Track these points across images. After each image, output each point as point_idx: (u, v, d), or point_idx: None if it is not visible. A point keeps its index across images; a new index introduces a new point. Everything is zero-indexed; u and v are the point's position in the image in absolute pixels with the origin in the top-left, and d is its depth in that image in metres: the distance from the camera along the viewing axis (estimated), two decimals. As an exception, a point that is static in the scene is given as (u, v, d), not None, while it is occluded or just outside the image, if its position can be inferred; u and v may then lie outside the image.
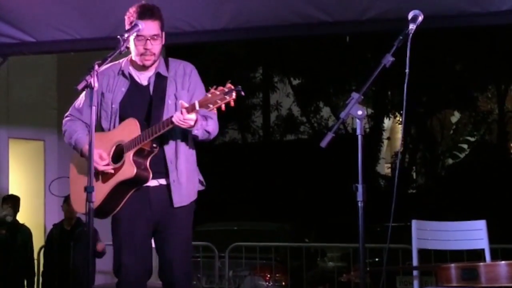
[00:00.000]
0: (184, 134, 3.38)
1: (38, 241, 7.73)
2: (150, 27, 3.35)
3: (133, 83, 3.45)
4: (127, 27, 3.37)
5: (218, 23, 4.76)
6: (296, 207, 14.14)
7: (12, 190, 8.10)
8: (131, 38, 3.33)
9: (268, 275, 8.49)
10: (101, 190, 3.32)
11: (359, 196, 2.81)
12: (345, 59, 15.34)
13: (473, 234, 4.40)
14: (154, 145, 3.32)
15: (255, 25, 4.75)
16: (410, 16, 3.04)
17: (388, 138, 19.43)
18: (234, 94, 3.06)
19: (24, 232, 7.39)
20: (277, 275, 8.58)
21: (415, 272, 4.44)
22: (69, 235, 7.08)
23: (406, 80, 2.88)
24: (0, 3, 5.07)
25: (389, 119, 18.35)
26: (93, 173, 3.07)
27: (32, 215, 8.32)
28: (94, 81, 3.04)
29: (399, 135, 19.69)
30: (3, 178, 8.22)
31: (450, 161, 18.20)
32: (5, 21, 5.11)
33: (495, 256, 4.59)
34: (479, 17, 4.39)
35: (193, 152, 3.49)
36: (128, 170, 3.29)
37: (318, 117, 17.39)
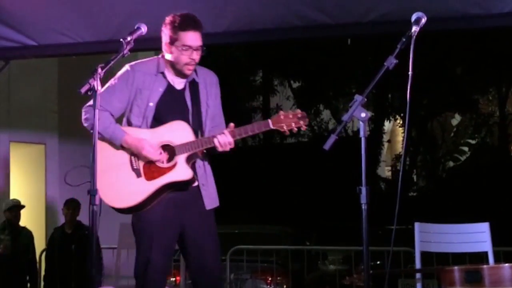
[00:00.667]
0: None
1: (39, 244, 7.74)
2: (196, 38, 3.40)
3: (169, 86, 3.48)
4: (168, 36, 3.42)
5: (219, 26, 4.75)
6: (296, 210, 14.13)
7: (13, 194, 8.12)
8: (176, 46, 3.39)
9: (269, 278, 8.49)
10: (146, 188, 3.34)
11: (363, 199, 2.81)
12: (345, 62, 15.34)
13: (477, 236, 4.39)
14: (204, 152, 3.41)
15: (257, 28, 4.74)
16: (413, 18, 3.03)
17: (389, 141, 19.44)
18: (306, 120, 3.28)
19: (26, 235, 7.41)
20: (278, 278, 8.57)
21: (417, 275, 4.43)
22: (70, 238, 7.08)
23: (409, 82, 2.88)
24: (1, 7, 5.07)
25: (390, 122, 18.35)
26: (96, 175, 3.04)
27: (33, 218, 8.32)
28: (97, 85, 3.03)
29: (399, 137, 19.67)
30: (4, 182, 8.22)
31: (451, 163, 18.20)
32: (6, 25, 5.10)
33: (497, 258, 4.57)
34: (481, 19, 4.38)
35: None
36: (185, 172, 3.35)
37: (318, 120, 17.39)
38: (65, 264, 7.00)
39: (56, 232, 7.32)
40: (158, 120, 3.43)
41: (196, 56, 3.41)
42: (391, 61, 2.91)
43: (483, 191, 14.34)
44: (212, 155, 3.52)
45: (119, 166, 3.39)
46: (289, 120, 3.29)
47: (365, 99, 2.89)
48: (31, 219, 8.17)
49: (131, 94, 3.45)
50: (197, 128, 3.43)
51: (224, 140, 3.32)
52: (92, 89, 3.03)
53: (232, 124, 3.38)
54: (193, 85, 3.49)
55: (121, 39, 3.24)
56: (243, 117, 16.84)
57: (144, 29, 3.33)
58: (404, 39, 2.97)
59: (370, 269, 2.89)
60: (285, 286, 8.64)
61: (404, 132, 15.69)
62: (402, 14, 3.90)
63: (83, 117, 3.45)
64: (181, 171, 3.34)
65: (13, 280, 7.10)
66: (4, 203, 7.42)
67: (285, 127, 3.29)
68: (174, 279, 7.81)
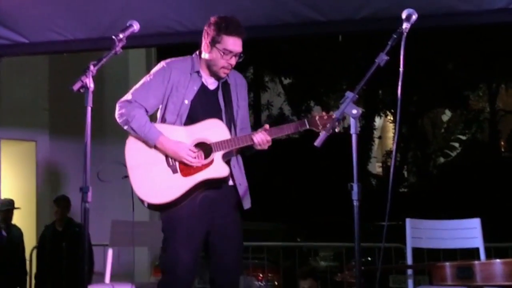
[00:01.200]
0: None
1: (30, 241, 7.71)
2: (238, 44, 3.42)
3: (203, 85, 3.49)
4: (211, 37, 3.41)
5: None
6: (288, 207, 14.15)
7: (4, 191, 8.08)
8: (217, 49, 3.39)
9: (261, 275, 8.49)
10: (182, 184, 3.34)
11: (355, 195, 2.81)
12: (336, 59, 15.36)
13: (468, 232, 4.41)
14: (239, 150, 3.44)
15: (248, 25, 4.69)
16: (404, 14, 3.03)
17: (379, 137, 19.50)
18: (336, 124, 3.19)
19: (16, 233, 7.38)
20: (270, 275, 8.57)
21: (409, 271, 4.44)
22: (61, 236, 7.06)
23: (400, 79, 2.88)
24: (-8, 5, 5.04)
25: (380, 118, 18.40)
26: (89, 171, 3.00)
27: (24, 216, 8.29)
28: (89, 82, 3.02)
29: (390, 134, 19.74)
30: (-5, 179, 8.19)
31: (442, 159, 18.27)
32: (-3, 22, 5.08)
33: (488, 255, 4.60)
34: (473, 16, 4.39)
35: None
36: (222, 169, 3.36)
37: (309, 116, 17.40)
38: (56, 262, 6.97)
39: (47, 230, 7.29)
40: (192, 118, 3.43)
41: (234, 61, 3.43)
42: (382, 58, 2.91)
43: (474, 186, 14.41)
44: (245, 156, 3.55)
45: (155, 162, 3.38)
46: (325, 121, 3.39)
47: (356, 96, 2.89)
48: (22, 217, 8.13)
49: (167, 91, 3.45)
50: (230, 127, 3.45)
51: (263, 138, 3.35)
52: (84, 87, 3.01)
53: (267, 125, 3.44)
54: (225, 86, 3.52)
55: (113, 37, 3.22)
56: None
57: (136, 26, 3.31)
58: (395, 36, 2.96)
59: (362, 266, 2.90)
60: (276, 283, 8.64)
61: (395, 128, 15.72)
62: (393, 11, 3.90)
63: (118, 112, 3.44)
64: (218, 168, 3.35)
65: (2, 278, 7.07)
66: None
67: (320, 128, 3.38)
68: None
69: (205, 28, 3.48)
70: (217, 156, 3.35)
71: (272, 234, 9.90)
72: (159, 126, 3.44)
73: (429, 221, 4.56)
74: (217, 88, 3.51)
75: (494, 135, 17.40)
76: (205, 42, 3.45)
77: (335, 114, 3.00)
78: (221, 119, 3.44)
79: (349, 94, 2.88)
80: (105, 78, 8.92)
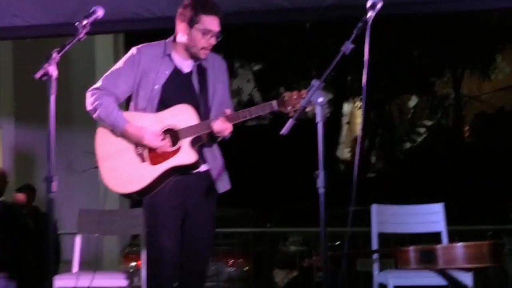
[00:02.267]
0: None
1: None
2: (217, 23, 3.38)
3: (176, 69, 3.45)
4: (188, 17, 3.36)
5: (177, 9, 4.71)
6: (257, 192, 14.20)
7: (-31, 179, 7.95)
8: (196, 29, 3.34)
9: (231, 261, 8.53)
10: (150, 172, 3.32)
11: (320, 183, 2.83)
12: (305, 45, 15.40)
13: (431, 217, 4.50)
14: (209, 135, 3.36)
15: (216, 12, 4.72)
16: (369, 3, 3.04)
17: (348, 123, 19.62)
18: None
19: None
20: (240, 260, 8.62)
21: (375, 255, 4.51)
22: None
23: (365, 68, 2.91)
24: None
25: (349, 104, 18.52)
26: (53, 161, 2.97)
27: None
28: (52, 70, 2.98)
29: (358, 119, 19.87)
30: (-41, 167, 8.05)
31: (408, 145, 18.48)
32: (-43, 7, 4.97)
33: (452, 238, 4.69)
34: (437, 4, 4.43)
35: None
36: (189, 156, 3.31)
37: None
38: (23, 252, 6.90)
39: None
40: (164, 103, 3.39)
41: (214, 41, 3.40)
42: (348, 46, 2.93)
43: (439, 171, 14.62)
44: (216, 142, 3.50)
45: (123, 151, 3.37)
46: (293, 101, 3.27)
47: (323, 84, 2.90)
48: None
49: (137, 77, 3.41)
50: (205, 111, 3.41)
51: (221, 126, 3.30)
52: (47, 75, 2.97)
53: (227, 110, 3.35)
54: (201, 69, 3.47)
55: (77, 23, 3.19)
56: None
57: (100, 12, 3.26)
58: (360, 24, 2.98)
59: (329, 251, 2.93)
60: (247, 268, 8.69)
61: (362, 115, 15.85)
62: (359, -1, 3.93)
63: (87, 100, 3.40)
64: (185, 155, 3.32)
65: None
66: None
67: (289, 108, 3.27)
68: (135, 263, 7.80)
69: (180, 10, 3.43)
70: (185, 142, 3.33)
71: (241, 220, 9.93)
72: (127, 114, 3.42)
73: (394, 206, 4.63)
74: (192, 71, 3.47)
75: (458, 120, 17.64)
76: (182, 25, 3.40)
77: (301, 103, 3.01)
78: (195, 102, 3.39)
79: (315, 82, 2.89)
80: (71, 65, 8.81)
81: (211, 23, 3.37)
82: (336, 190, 5.26)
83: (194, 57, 3.45)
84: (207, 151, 3.46)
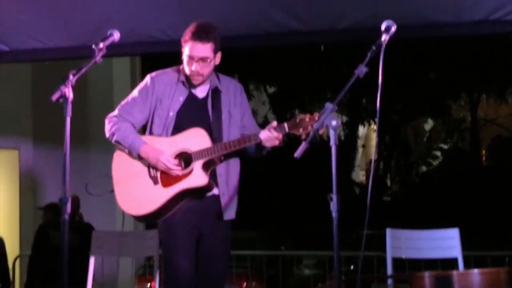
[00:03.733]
0: (239, 152, 3.47)
1: (13, 250, 7.65)
2: (199, 49, 3.37)
3: (190, 94, 3.48)
4: (183, 44, 3.41)
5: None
6: (272, 215, 14.16)
7: (-14, 200, 8.03)
8: (184, 56, 3.39)
9: (244, 284, 8.48)
10: (162, 194, 3.35)
11: (333, 206, 2.82)
12: (320, 67, 15.43)
13: (447, 242, 4.45)
14: (223, 158, 3.40)
15: (230, 34, 4.75)
16: (383, 26, 3.05)
17: (363, 146, 19.57)
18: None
19: (-3, 242, 7.31)
20: (253, 283, 8.57)
21: (389, 280, 4.47)
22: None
23: (379, 91, 2.91)
24: (-27, 12, 5.02)
25: (364, 127, 18.48)
26: (68, 182, 3.00)
27: (7, 225, 8.24)
28: (69, 92, 3.01)
29: (373, 142, 19.83)
30: (-23, 188, 8.14)
31: (424, 168, 18.37)
32: (-22, 30, 5.06)
33: (468, 263, 4.64)
34: (452, 27, 4.43)
35: (238, 170, 3.57)
36: (200, 179, 3.33)
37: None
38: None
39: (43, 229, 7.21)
40: (179, 129, 3.43)
41: (199, 67, 3.38)
42: (361, 70, 2.93)
43: (455, 195, 14.50)
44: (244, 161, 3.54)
45: (137, 174, 3.41)
46: (305, 123, 3.27)
47: (336, 107, 2.90)
48: (5, 225, 8.09)
49: (152, 105, 3.46)
50: (218, 135, 3.42)
51: (268, 135, 3.33)
52: (63, 97, 3.00)
53: (274, 122, 3.39)
54: (216, 93, 3.50)
55: (93, 46, 3.22)
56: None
57: (116, 36, 3.31)
58: (374, 48, 2.99)
59: (343, 275, 2.91)
60: (260, 291, 8.65)
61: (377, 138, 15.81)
62: (373, 22, 3.92)
63: (105, 127, 3.48)
64: (196, 178, 3.34)
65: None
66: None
67: (301, 130, 3.27)
68: (149, 284, 7.79)
69: None
70: (197, 165, 3.35)
71: (255, 243, 9.89)
72: (144, 137, 3.46)
73: (409, 231, 4.59)
74: (207, 96, 3.50)
75: (475, 144, 17.53)
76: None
77: (315, 125, 3.01)
78: (208, 127, 3.41)
79: (329, 105, 2.90)
80: (89, 87, 8.91)
81: (192, 49, 3.37)
82: (352, 214, 5.25)
83: (201, 82, 3.48)
84: (221, 175, 3.47)
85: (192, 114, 3.45)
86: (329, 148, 2.86)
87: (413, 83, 15.61)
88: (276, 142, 3.36)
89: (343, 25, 4.48)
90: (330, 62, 15.11)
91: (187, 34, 3.40)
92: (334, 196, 2.81)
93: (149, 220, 3.52)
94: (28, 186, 8.85)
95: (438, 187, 15.55)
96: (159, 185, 3.37)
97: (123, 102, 3.53)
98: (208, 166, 3.38)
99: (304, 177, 14.98)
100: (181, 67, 3.52)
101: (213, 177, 3.42)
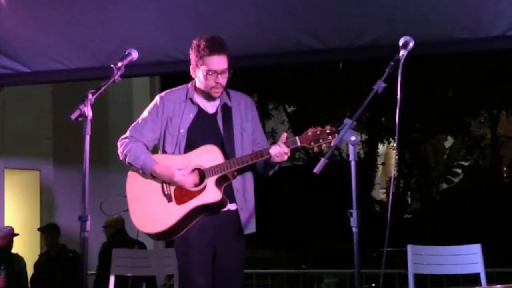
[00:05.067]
0: (252, 166, 3.47)
1: (33, 270, 7.68)
2: (221, 62, 3.40)
3: (200, 111, 3.50)
4: (194, 60, 3.43)
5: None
6: (292, 233, 14.10)
7: (8, 220, 8.09)
8: (201, 71, 3.40)
9: (265, 302, 8.43)
10: (176, 212, 3.35)
11: (354, 222, 2.81)
12: (339, 86, 15.42)
13: (469, 258, 4.40)
14: (236, 173, 3.40)
15: (248, 54, 4.78)
16: (401, 42, 3.06)
17: (383, 164, 19.45)
18: (336, 135, 3.17)
19: (18, 262, 7.35)
20: (274, 302, 8.52)
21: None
22: (55, 262, 7.08)
23: (398, 106, 2.91)
24: (-6, 34, 5.10)
25: (384, 145, 18.40)
26: (88, 200, 3.03)
27: (28, 245, 8.29)
28: (88, 111, 3.04)
29: (393, 160, 19.71)
30: (-2, 208, 8.21)
31: (445, 185, 18.23)
32: (0, 52, 5.13)
33: (490, 280, 4.58)
34: (469, 43, 4.42)
35: (253, 185, 3.57)
36: (213, 194, 3.33)
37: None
38: (51, 288, 6.99)
39: (41, 257, 7.32)
40: (191, 146, 3.45)
41: (222, 79, 3.42)
42: (380, 85, 2.93)
43: (476, 212, 14.35)
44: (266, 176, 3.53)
45: (151, 192, 3.42)
46: (317, 136, 3.27)
47: (355, 123, 2.90)
48: (26, 246, 8.13)
49: (163, 124, 3.49)
50: (230, 151, 3.43)
51: (278, 150, 3.32)
52: (83, 115, 3.04)
53: (284, 136, 3.40)
54: (226, 109, 3.51)
55: (112, 65, 3.26)
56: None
57: (135, 55, 3.34)
58: (392, 63, 2.99)
59: (363, 292, 2.89)
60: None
61: (396, 155, 15.73)
62: (391, 39, 3.92)
63: (118, 150, 3.50)
64: (210, 194, 3.34)
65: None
66: (-3, 230, 7.39)
67: (313, 144, 3.27)
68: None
69: (189, 52, 3.50)
70: (210, 181, 3.35)
71: (276, 261, 9.85)
72: (156, 156, 3.48)
73: (430, 247, 4.55)
74: (216, 112, 3.51)
75: (495, 160, 17.36)
76: (191, 67, 3.49)
77: (333, 142, 3.01)
78: (220, 142, 3.42)
79: (348, 121, 2.90)
80: (109, 108, 8.98)
81: (214, 63, 3.39)
82: (372, 231, 5.21)
83: (210, 97, 3.49)
84: (238, 190, 3.47)
85: (203, 130, 3.46)
86: (348, 166, 2.86)
87: (432, 100, 15.53)
88: (285, 158, 3.34)
89: (361, 42, 4.49)
90: (348, 81, 15.09)
91: (203, 49, 3.40)
92: (354, 212, 2.80)
93: (164, 238, 3.54)
94: (49, 206, 8.92)
95: (459, 204, 15.41)
96: (173, 203, 3.38)
97: (134, 123, 3.56)
98: (222, 182, 3.38)
99: (324, 195, 14.93)
100: (189, 84, 3.54)
101: (229, 192, 3.43)
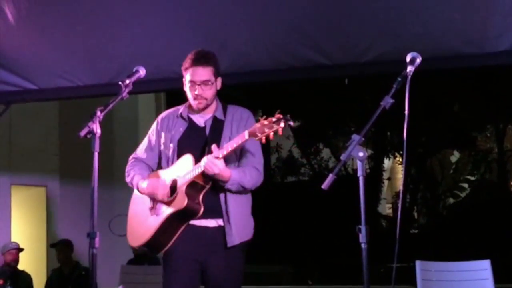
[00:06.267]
0: None
1: (40, 286, 7.67)
2: (201, 73, 3.43)
3: (191, 124, 3.54)
4: (183, 73, 3.47)
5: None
6: (298, 249, 14.05)
7: (14, 236, 8.08)
8: (185, 84, 3.45)
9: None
10: (153, 224, 3.39)
11: (362, 238, 2.80)
12: (344, 101, 15.43)
13: (478, 274, 4.38)
14: (207, 179, 3.34)
15: (254, 69, 4.81)
16: (408, 58, 3.07)
17: (389, 179, 19.39)
18: (282, 123, 3.10)
19: (25, 279, 7.34)
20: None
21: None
22: (67, 279, 7.04)
23: (406, 122, 2.91)
24: (1, 52, 5.13)
25: (389, 160, 18.36)
26: (96, 216, 3.06)
27: (34, 262, 8.28)
28: (96, 128, 3.06)
29: (399, 175, 19.67)
30: (5, 225, 8.21)
31: (451, 200, 18.15)
32: (7, 69, 5.17)
33: (500, 296, 4.55)
34: (476, 58, 4.43)
35: (243, 197, 3.49)
36: (180, 201, 3.33)
37: (318, 158, 17.41)
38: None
39: (54, 274, 7.29)
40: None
41: (202, 91, 3.43)
42: (388, 101, 2.94)
43: (484, 227, 14.28)
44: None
45: (143, 208, 3.50)
46: (264, 127, 3.14)
47: (363, 139, 2.91)
48: (32, 262, 8.12)
49: (160, 143, 3.56)
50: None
51: (208, 164, 3.23)
52: (91, 132, 3.05)
53: (213, 146, 3.31)
54: (216, 122, 3.52)
55: (120, 82, 3.27)
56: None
57: (142, 72, 3.37)
58: (399, 79, 3.00)
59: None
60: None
61: (403, 170, 15.71)
62: (397, 55, 3.94)
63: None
64: (177, 201, 3.35)
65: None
66: (2, 246, 7.39)
67: (259, 135, 3.14)
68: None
69: None
70: (180, 189, 3.35)
71: (282, 277, 9.81)
72: (151, 174, 3.55)
73: (439, 263, 4.53)
74: (205, 125, 3.52)
75: (502, 175, 17.28)
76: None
77: (342, 157, 3.01)
78: (203, 152, 3.39)
79: (355, 137, 2.91)
80: (114, 124, 8.99)
81: (192, 74, 3.42)
82: (379, 247, 5.19)
83: (199, 109, 3.50)
84: (223, 203, 3.41)
85: (190, 143, 3.49)
86: (354, 181, 2.86)
87: (437, 115, 15.51)
88: (216, 170, 3.24)
89: (367, 58, 4.51)
90: (353, 96, 15.10)
91: (187, 62, 3.46)
92: (363, 228, 2.79)
93: (150, 251, 3.56)
94: (55, 223, 8.91)
95: (466, 219, 15.34)
96: (154, 215, 3.43)
97: (140, 143, 3.67)
98: (195, 189, 3.34)
99: (330, 210, 14.89)
100: (182, 105, 3.59)
101: (214, 204, 3.39)
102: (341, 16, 4.56)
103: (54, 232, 8.83)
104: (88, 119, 3.12)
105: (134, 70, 3.37)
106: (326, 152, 17.56)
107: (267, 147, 17.96)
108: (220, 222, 3.42)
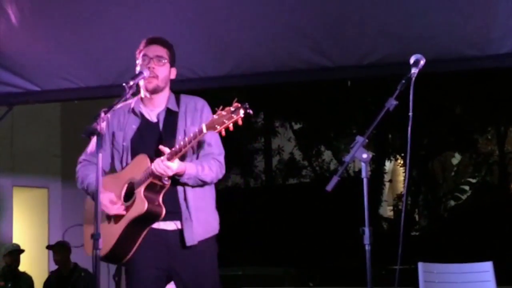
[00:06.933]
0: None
1: (41, 289, 7.68)
2: (155, 49, 3.37)
3: (144, 121, 3.38)
4: (137, 62, 3.40)
5: (220, 69, 4.82)
6: (300, 251, 14.05)
7: (16, 238, 8.09)
8: (139, 58, 3.37)
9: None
10: (114, 233, 3.23)
11: (366, 239, 2.81)
12: (346, 103, 15.44)
13: (480, 276, 4.38)
14: (166, 178, 3.19)
15: (257, 71, 4.81)
16: (412, 60, 3.08)
17: (390, 181, 19.39)
18: (241, 112, 2.97)
19: (26, 281, 7.34)
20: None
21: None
22: (66, 281, 7.04)
23: (410, 123, 2.92)
24: (4, 53, 5.14)
25: (391, 162, 18.37)
26: (100, 218, 3.02)
27: (36, 263, 8.28)
28: (101, 128, 3.05)
29: (400, 177, 19.66)
30: (7, 226, 8.22)
31: (453, 202, 18.15)
32: (9, 71, 5.16)
33: (502, 298, 4.55)
34: (478, 61, 4.44)
35: (205, 190, 3.34)
36: (140, 205, 3.16)
37: (319, 160, 17.43)
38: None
39: (52, 276, 7.28)
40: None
41: (155, 66, 3.31)
42: (391, 103, 2.95)
43: (485, 229, 14.29)
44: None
45: (101, 217, 3.24)
46: (222, 118, 2.97)
47: (366, 140, 2.92)
48: (34, 264, 8.13)
49: (111, 141, 3.40)
50: (170, 158, 3.15)
51: (159, 167, 3.11)
52: (96, 133, 3.05)
53: (166, 149, 3.14)
54: (170, 114, 3.36)
55: (124, 84, 3.26)
56: (245, 158, 16.89)
57: (146, 73, 3.35)
58: (403, 81, 3.01)
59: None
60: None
61: (405, 172, 15.72)
62: (400, 57, 3.96)
63: (76, 176, 3.47)
64: (137, 206, 3.17)
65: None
66: (3, 247, 7.39)
67: (218, 127, 2.98)
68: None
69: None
70: (138, 192, 3.19)
71: (284, 279, 9.81)
72: (108, 176, 3.37)
73: (441, 264, 4.53)
74: (159, 119, 3.37)
75: (503, 177, 17.30)
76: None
77: (345, 158, 3.01)
78: (157, 151, 3.20)
79: (359, 139, 2.92)
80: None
81: (148, 50, 3.35)
82: (381, 249, 5.19)
83: (151, 101, 3.36)
84: (182, 203, 3.27)
85: (144, 140, 3.33)
86: (355, 183, 2.86)
87: (439, 117, 15.53)
88: (170, 173, 3.11)
89: (370, 60, 4.50)
90: (355, 98, 15.11)
91: (142, 43, 3.40)
92: (366, 229, 2.80)
93: (115, 261, 3.37)
94: (57, 224, 8.91)
95: (467, 221, 15.34)
96: (112, 223, 3.27)
97: (87, 147, 3.49)
98: (155, 190, 3.19)
99: (332, 212, 14.89)
100: (132, 99, 3.40)
101: (174, 204, 3.25)
102: (344, 18, 4.56)
103: (56, 234, 8.83)
104: (91, 120, 3.11)
105: (137, 72, 3.37)
106: (327, 154, 17.57)
107: (268, 149, 17.97)
108: (178, 225, 3.27)
